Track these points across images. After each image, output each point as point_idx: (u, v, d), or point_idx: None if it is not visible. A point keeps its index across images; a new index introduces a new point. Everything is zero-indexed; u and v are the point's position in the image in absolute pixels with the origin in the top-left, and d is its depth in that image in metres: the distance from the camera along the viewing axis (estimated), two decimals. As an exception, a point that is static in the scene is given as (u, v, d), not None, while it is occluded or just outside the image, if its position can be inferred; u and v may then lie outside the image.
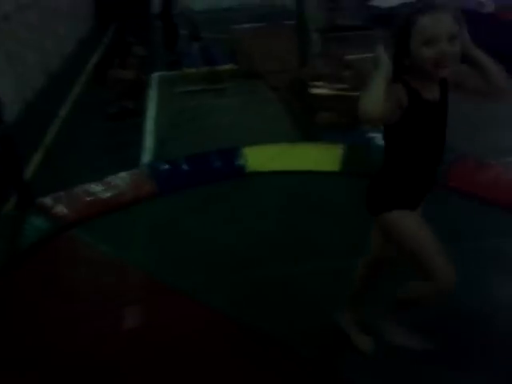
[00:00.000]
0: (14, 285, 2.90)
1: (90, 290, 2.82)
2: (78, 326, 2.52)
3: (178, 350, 2.34)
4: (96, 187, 3.73)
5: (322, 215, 3.44)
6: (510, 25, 7.80)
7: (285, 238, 3.20)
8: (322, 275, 2.78)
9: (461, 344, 2.26)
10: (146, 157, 4.53)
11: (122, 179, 3.84)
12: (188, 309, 2.61)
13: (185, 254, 3.10)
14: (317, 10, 6.79)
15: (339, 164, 3.94)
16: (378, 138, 4.56)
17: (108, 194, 3.66)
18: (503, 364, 2.18)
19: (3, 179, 3.62)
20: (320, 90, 5.41)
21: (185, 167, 4.01)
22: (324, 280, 2.73)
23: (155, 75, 7.33)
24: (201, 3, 9.78)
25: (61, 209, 3.50)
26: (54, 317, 2.61)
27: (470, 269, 2.75)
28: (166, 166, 4.04)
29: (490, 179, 3.54)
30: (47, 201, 3.61)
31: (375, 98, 1.63)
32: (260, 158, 4.07)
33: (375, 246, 2.13)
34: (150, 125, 5.41)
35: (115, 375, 2.24)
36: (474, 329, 2.36)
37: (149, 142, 4.93)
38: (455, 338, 2.29)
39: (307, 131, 4.83)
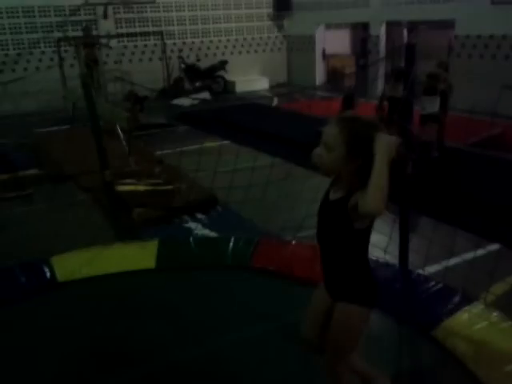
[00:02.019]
0: None
1: None
2: None
3: None
4: None
5: (143, 315, 3.35)
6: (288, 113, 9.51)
7: (112, 344, 3.05)
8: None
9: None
10: None
11: None
12: None
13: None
14: (120, 111, 6.95)
15: (154, 260, 3.91)
16: (194, 229, 4.70)
17: None
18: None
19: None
20: (130, 187, 5.43)
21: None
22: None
23: None
24: (-3, 108, 9.34)
25: None
26: None
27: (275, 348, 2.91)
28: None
29: (288, 256, 3.88)
30: None
31: (386, 191, 1.69)
32: (71, 265, 3.84)
33: (312, 331, 2.20)
34: None
35: None
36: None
37: None
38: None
39: (121, 230, 4.74)
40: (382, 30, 11.55)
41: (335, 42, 13.91)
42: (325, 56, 13.44)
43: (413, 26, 11.53)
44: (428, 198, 4.65)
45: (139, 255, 3.97)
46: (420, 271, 3.58)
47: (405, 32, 11.75)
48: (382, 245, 3.76)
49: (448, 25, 10.06)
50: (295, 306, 3.21)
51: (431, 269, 3.65)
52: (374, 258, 3.73)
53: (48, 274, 3.76)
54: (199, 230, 4.69)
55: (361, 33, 13.47)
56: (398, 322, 3.11)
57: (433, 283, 3.40)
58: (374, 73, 11.13)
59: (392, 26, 11.71)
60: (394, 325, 3.11)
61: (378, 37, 11.55)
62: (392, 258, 3.72)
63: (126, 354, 2.97)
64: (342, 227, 1.90)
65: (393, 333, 3.08)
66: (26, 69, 11.42)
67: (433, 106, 6.35)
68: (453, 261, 3.63)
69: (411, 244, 3.65)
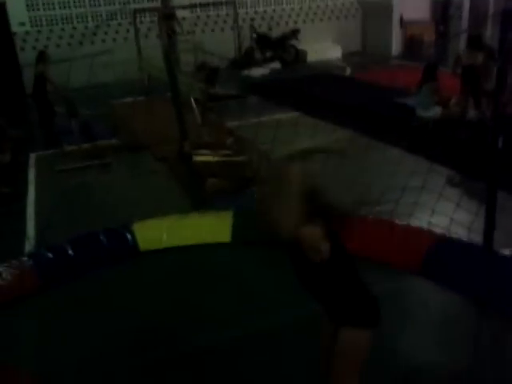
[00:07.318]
0: None
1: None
2: None
3: None
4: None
5: (220, 287, 3.44)
6: (363, 84, 9.09)
7: (187, 314, 3.17)
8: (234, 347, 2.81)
9: None
10: (28, 245, 4.21)
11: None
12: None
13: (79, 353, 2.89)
14: (193, 82, 7.02)
15: (230, 233, 3.96)
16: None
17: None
18: None
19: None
20: (205, 157, 5.50)
21: (70, 253, 3.77)
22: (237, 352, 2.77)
23: (33, 155, 6.99)
24: (78, 80, 9.65)
25: None
26: None
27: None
28: (49, 255, 3.76)
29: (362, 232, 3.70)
30: None
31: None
32: (151, 234, 3.97)
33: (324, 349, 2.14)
34: (30, 209, 5.08)
35: None
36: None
37: (30, 228, 4.60)
38: None
39: (196, 199, 4.83)
40: (466, -7, 10.84)
41: (413, 8, 13.19)
42: (402, 23, 12.81)
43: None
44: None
45: (215, 227, 4.03)
46: (507, 251, 3.38)
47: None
48: (466, 222, 3.58)
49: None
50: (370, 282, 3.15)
51: (519, 249, 3.45)
52: (457, 236, 3.57)
53: (130, 242, 3.92)
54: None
55: (442, -3, 12.69)
56: (481, 306, 2.97)
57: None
58: (456, 41, 10.50)
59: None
60: (475, 309, 2.98)
61: (461, 0, 10.84)
62: (477, 236, 3.53)
63: (193, 326, 3.07)
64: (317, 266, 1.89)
65: (474, 317, 2.96)
66: (103, 40, 11.76)
67: None
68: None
69: (498, 222, 3.44)
